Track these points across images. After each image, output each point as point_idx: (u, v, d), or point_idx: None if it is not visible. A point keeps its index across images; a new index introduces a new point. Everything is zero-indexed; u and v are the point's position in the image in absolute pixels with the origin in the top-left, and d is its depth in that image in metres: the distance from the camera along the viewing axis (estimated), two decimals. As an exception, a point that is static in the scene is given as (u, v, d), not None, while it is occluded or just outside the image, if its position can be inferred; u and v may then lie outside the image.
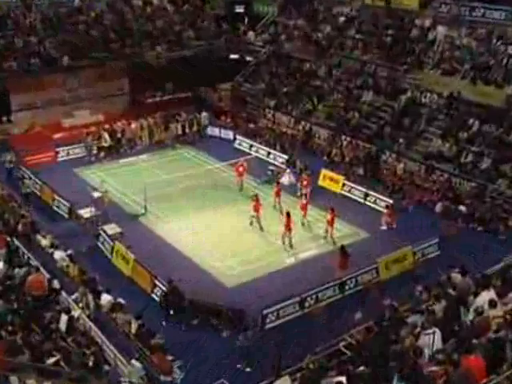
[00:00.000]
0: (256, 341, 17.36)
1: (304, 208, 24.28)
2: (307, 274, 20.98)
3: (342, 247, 21.01)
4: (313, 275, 20.75)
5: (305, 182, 26.88)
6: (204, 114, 35.60)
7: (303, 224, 24.27)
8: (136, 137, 32.82)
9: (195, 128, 34.63)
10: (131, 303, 18.25)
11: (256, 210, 24.00)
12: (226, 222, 24.66)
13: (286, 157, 30.80)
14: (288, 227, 22.66)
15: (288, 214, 22.80)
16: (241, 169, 27.42)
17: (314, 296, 19.24)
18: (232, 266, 21.59)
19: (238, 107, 37.63)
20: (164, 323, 18.47)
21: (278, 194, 25.72)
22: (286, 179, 28.42)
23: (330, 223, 23.21)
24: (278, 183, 26.59)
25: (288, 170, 28.90)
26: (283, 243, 22.81)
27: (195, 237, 23.39)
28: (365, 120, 32.08)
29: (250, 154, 30.88)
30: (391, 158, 29.26)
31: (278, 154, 31.43)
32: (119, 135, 32.21)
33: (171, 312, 18.59)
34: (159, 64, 37.06)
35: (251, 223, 24.03)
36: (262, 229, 23.90)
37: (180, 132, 33.71)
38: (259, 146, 32.47)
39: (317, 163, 30.17)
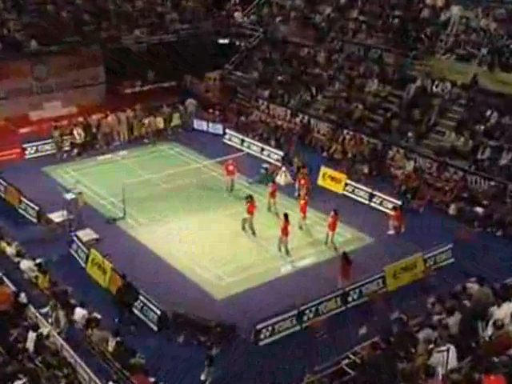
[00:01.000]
0: (249, 359, 17.32)
1: (303, 209, 24.27)
2: (305, 283, 20.96)
3: (344, 254, 21.01)
4: (312, 285, 20.73)
5: (302, 181, 26.98)
6: (190, 100, 35.61)
7: (301, 227, 24.26)
8: (113, 131, 32.76)
9: (179, 121, 34.66)
10: (108, 318, 18.17)
11: (250, 212, 24.02)
12: (214, 227, 24.63)
13: (281, 153, 30.85)
14: (285, 231, 22.67)
15: (286, 216, 22.81)
16: (230, 167, 27.43)
17: (313, 309, 19.22)
18: (221, 276, 21.55)
19: (227, 98, 37.64)
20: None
21: (273, 195, 25.71)
22: (281, 178, 28.42)
23: (332, 227, 23.23)
24: (274, 182, 26.59)
25: (284, 168, 28.89)
26: (279, 249, 22.83)
27: (180, 243, 23.36)
28: (369, 112, 32.15)
29: (241, 151, 30.86)
30: (399, 155, 29.31)
31: (272, 150, 31.45)
32: (94, 130, 32.13)
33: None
34: (139, 50, 37.01)
35: (243, 228, 24.03)
36: (254, 233, 23.93)
37: (162, 126, 33.79)
38: (251, 141, 32.49)
39: (316, 160, 30.16)
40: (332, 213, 23.37)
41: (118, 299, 19.05)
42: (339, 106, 33.05)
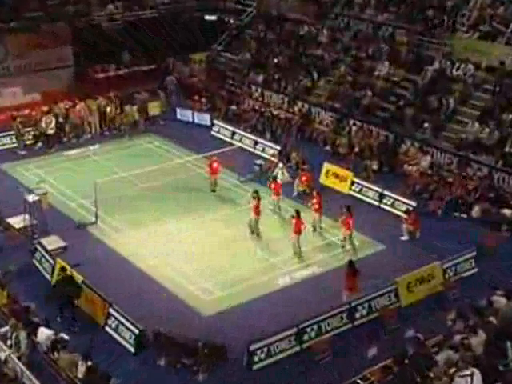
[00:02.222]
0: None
1: (316, 209, 24.46)
2: (306, 297, 20.93)
3: (350, 263, 21.00)
4: (314, 299, 20.70)
5: (303, 178, 27.08)
6: (170, 77, 35.59)
7: (315, 229, 24.54)
8: (84, 122, 32.73)
9: (160, 110, 34.63)
10: (78, 339, 18.10)
11: (257, 211, 24.23)
12: (202, 233, 24.60)
13: (278, 147, 30.85)
14: (298, 230, 22.89)
15: (298, 214, 23.03)
16: (215, 165, 27.33)
17: (315, 327, 19.15)
18: (209, 289, 21.51)
19: (215, 84, 37.64)
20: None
21: (277, 193, 25.91)
22: (278, 176, 28.37)
23: (348, 226, 23.33)
24: (275, 179, 26.70)
25: (281, 165, 28.87)
26: (294, 253, 23.06)
27: (162, 252, 23.31)
28: (379, 99, 32.18)
29: (231, 144, 30.83)
30: (414, 149, 29.35)
31: (267, 143, 31.45)
32: (62, 120, 32.07)
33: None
34: (113, 28, 36.99)
35: (252, 232, 24.31)
36: (259, 235, 24.23)
37: (140, 116, 33.80)
38: (243, 133, 32.50)
39: (318, 155, 30.14)
40: (344, 210, 23.56)
41: (57, 292, 19.31)
42: (344, 92, 33.06)
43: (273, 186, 26.09)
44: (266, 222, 24.96)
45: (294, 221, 23.11)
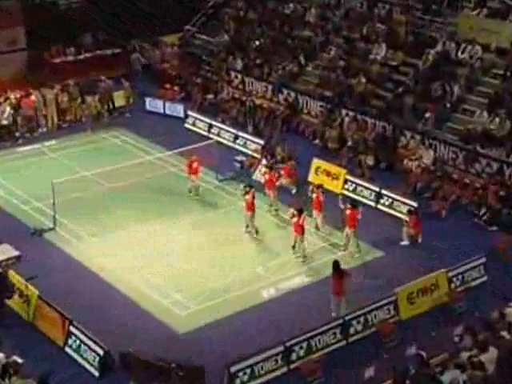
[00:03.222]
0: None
1: (316, 207, 24.71)
2: (294, 311, 20.96)
3: (336, 264, 21.07)
4: (303, 313, 20.72)
5: (283, 171, 27.53)
6: (135, 55, 35.48)
7: (317, 228, 24.94)
8: (38, 114, 32.60)
9: (126, 101, 34.57)
10: (33, 362, 17.96)
11: (251, 207, 24.48)
12: (175, 239, 24.57)
13: (261, 142, 30.87)
14: (300, 230, 23.18)
15: (301, 212, 23.24)
16: (195, 165, 27.20)
17: (304, 344, 19.13)
18: (185, 303, 21.46)
19: (190, 70, 37.57)
20: None
21: (271, 189, 26.14)
22: (261, 174, 28.40)
23: (351, 223, 23.58)
24: (271, 169, 26.80)
25: (264, 161, 28.88)
26: (298, 254, 23.38)
27: (130, 261, 23.26)
28: (375, 87, 32.26)
29: (208, 139, 30.79)
30: (414, 142, 29.46)
31: (249, 137, 31.49)
32: (12, 112, 31.90)
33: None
34: (71, 6, 36.83)
35: (250, 231, 24.59)
36: (257, 232, 24.63)
37: (101, 108, 33.72)
38: (222, 126, 32.52)
39: (306, 150, 30.20)
40: (340, 201, 24.11)
41: None
42: (335, 78, 33.09)
43: (267, 176, 26.35)
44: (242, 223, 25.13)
45: (294, 219, 23.31)
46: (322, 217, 24.96)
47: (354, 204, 24.00)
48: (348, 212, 23.74)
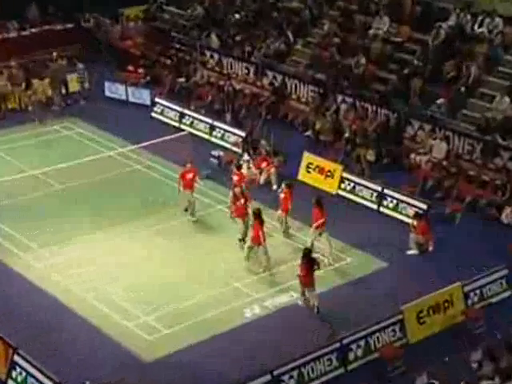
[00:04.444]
0: None
1: (286, 208, 24.84)
2: (283, 333, 20.95)
3: (307, 251, 21.57)
4: (292, 336, 20.72)
5: (263, 164, 27.83)
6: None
7: (286, 233, 25.12)
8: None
9: (80, 85, 34.54)
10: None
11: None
12: (141, 249, 24.55)
13: (241, 133, 30.90)
14: (257, 239, 23.13)
15: (258, 215, 23.28)
16: (189, 175, 26.65)
17: (294, 373, 19.08)
18: (152, 326, 21.39)
19: (157, 49, 37.51)
20: None
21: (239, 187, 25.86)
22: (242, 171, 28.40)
23: (318, 225, 23.82)
24: (240, 169, 26.73)
25: (246, 157, 28.87)
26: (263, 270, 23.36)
27: (88, 276, 23.18)
28: (377, 68, 32.35)
29: (180, 130, 30.81)
30: (423, 132, 29.54)
31: (228, 128, 31.53)
32: None
33: None
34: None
35: (242, 240, 24.58)
36: (287, 232, 25.04)
37: (52, 93, 33.63)
38: (195, 115, 32.53)
39: (296, 143, 30.31)
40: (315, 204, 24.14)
41: None
42: (330, 58, 33.14)
43: (235, 177, 26.15)
44: (224, 231, 25.07)
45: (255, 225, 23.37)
46: (285, 221, 25.06)
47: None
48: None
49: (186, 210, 26.34)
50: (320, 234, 23.98)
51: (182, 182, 26.27)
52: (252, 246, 23.61)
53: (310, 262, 21.68)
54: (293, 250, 24.58)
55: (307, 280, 21.57)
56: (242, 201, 24.46)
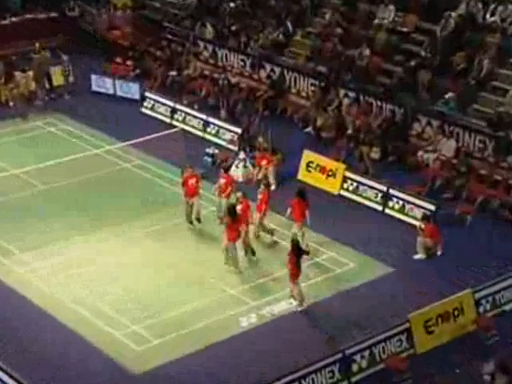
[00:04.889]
0: None
1: (261, 209, 24.83)
2: (281, 344, 20.91)
3: (295, 243, 21.82)
4: (291, 346, 20.69)
5: (263, 162, 27.77)
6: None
7: (258, 236, 25.05)
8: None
9: (65, 79, 34.59)
10: None
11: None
12: (131, 255, 24.56)
13: (237, 130, 30.91)
14: (231, 237, 23.24)
15: (233, 211, 23.38)
16: (191, 182, 26.43)
17: (294, 386, 19.22)
18: (141, 335, 21.36)
19: (146, 40, 37.47)
20: None
21: (225, 192, 25.75)
22: (238, 170, 28.49)
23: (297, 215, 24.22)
24: (227, 172, 26.69)
25: (242, 155, 28.88)
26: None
27: (73, 283, 23.18)
28: (382, 60, 32.33)
29: (172, 126, 30.82)
30: (431, 129, 29.54)
31: (223, 124, 31.54)
32: None
33: None
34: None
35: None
36: (253, 253, 24.39)
37: (36, 87, 33.66)
38: (188, 110, 32.57)
39: (295, 141, 30.32)
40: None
41: None
42: (332, 50, 33.13)
43: (222, 179, 26.03)
44: (214, 235, 25.12)
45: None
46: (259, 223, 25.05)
47: (267, 183, 25.10)
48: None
49: (191, 222, 25.99)
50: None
51: (185, 189, 25.87)
52: (226, 248, 23.72)
53: (297, 253, 21.88)
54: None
55: (293, 272, 21.79)
56: (239, 207, 24.16)
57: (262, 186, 25.19)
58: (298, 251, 21.94)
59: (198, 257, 24.43)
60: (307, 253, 22.56)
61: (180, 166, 28.05)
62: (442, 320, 21.14)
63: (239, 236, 23.48)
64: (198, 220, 25.89)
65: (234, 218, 23.28)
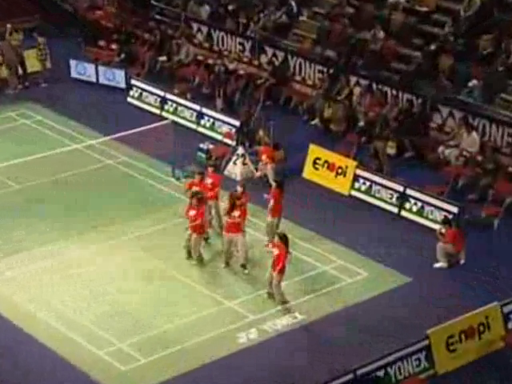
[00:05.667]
0: None
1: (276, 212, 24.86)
2: (284, 362, 20.91)
3: (281, 235, 22.26)
4: (295, 365, 20.70)
5: (263, 156, 27.87)
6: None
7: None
8: None
9: (41, 64, 34.68)
10: None
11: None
12: (115, 263, 24.59)
13: (235, 122, 31.00)
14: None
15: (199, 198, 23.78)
16: (209, 181, 26.03)
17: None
18: (127, 353, 21.32)
19: (133, 21, 37.53)
20: None
21: (212, 195, 25.64)
22: (236, 167, 28.63)
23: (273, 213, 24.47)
24: (215, 167, 26.70)
25: (241, 150, 28.96)
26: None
27: (50, 294, 23.18)
28: (398, 43, 32.39)
29: (162, 118, 30.94)
30: (453, 121, 29.60)
31: (219, 116, 31.62)
32: None
33: None
34: None
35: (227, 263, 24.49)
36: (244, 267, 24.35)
37: (7, 74, 33.77)
38: (180, 100, 32.69)
39: (300, 134, 30.45)
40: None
41: None
42: (341, 32, 33.21)
43: (209, 180, 25.86)
44: (215, 240, 25.14)
45: (275, 250, 22.84)
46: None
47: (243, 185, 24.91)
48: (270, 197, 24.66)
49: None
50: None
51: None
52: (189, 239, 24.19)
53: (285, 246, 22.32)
54: (296, 263, 24.55)
55: (281, 269, 22.19)
56: (237, 213, 24.02)
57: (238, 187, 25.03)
58: (285, 244, 22.26)
59: (191, 265, 24.48)
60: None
61: (172, 163, 28.30)
62: (466, 336, 21.10)
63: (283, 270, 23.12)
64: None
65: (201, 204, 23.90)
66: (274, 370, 20.67)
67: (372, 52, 32.24)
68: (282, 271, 22.50)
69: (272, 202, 24.58)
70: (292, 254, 23.60)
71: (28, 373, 20.55)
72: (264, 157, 27.92)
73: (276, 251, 22.38)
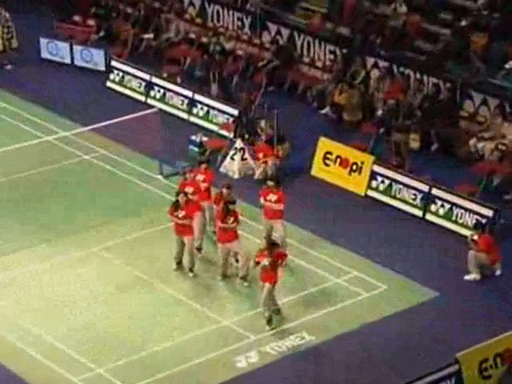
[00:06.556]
0: None
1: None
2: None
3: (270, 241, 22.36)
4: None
5: (260, 154, 28.03)
6: None
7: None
8: None
9: (2, 43, 34.84)
10: None
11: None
12: (93, 276, 24.61)
13: (233, 111, 31.10)
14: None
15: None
16: (201, 178, 26.08)
17: None
18: (108, 380, 21.31)
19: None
20: None
21: (205, 196, 25.73)
22: (234, 163, 28.71)
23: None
24: (207, 164, 26.49)
25: (239, 143, 28.93)
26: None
27: (17, 314, 23.18)
28: (422, 19, 32.42)
29: (148, 106, 31.11)
30: (487, 109, 29.59)
31: (214, 104, 31.75)
32: None
33: None
34: None
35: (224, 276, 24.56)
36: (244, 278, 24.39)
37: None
38: (169, 85, 32.81)
39: (307, 123, 30.60)
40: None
41: None
42: (355, 5, 33.29)
43: (200, 177, 25.83)
44: (208, 247, 25.23)
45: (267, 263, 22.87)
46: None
47: (229, 185, 24.81)
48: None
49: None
50: None
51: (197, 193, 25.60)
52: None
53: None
54: (304, 275, 24.76)
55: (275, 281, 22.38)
56: (231, 219, 24.01)
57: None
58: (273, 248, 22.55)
59: (181, 278, 24.54)
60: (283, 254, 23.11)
61: (160, 159, 28.33)
62: (502, 361, 21.11)
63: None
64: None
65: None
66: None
67: (392, 29, 32.25)
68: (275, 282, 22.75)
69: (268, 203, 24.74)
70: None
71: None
72: (261, 155, 27.93)
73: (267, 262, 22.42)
